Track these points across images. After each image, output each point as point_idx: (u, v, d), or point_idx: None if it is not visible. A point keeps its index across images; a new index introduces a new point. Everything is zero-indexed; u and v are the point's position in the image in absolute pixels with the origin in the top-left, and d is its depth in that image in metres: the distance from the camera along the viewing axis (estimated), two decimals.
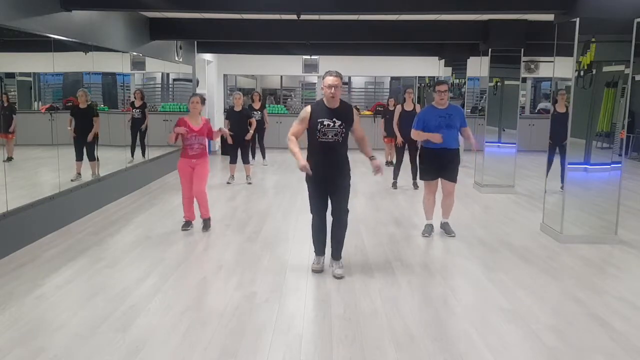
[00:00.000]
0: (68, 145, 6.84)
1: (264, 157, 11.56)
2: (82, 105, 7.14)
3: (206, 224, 6.20)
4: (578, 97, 5.80)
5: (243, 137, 9.32)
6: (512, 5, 6.63)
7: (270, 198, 8.23)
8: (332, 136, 4.50)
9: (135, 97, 9.28)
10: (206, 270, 4.90)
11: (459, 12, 7.69)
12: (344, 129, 4.52)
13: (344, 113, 4.55)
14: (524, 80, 14.84)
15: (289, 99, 17.14)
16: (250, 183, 9.33)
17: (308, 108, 4.62)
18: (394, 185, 9.02)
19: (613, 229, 5.91)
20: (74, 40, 6.64)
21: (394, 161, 9.71)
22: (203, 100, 6.15)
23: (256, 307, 4.05)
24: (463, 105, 12.63)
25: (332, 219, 4.77)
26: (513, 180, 8.87)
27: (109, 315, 3.84)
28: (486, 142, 9.01)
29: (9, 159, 5.87)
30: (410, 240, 5.93)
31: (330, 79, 4.46)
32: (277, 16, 8.81)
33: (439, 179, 5.96)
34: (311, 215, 4.80)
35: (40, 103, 6.85)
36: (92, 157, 7.36)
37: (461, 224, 6.41)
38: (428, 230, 6.09)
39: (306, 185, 4.74)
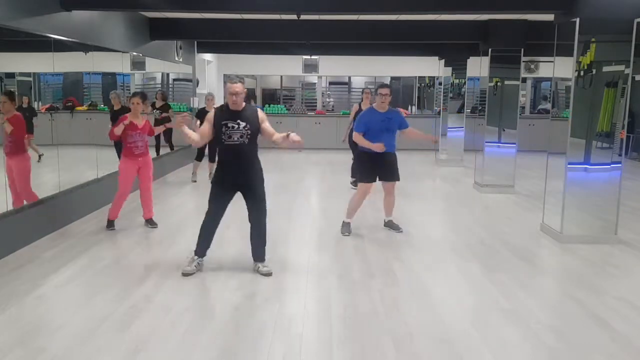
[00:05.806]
0: (68, 146, 6.84)
1: None
2: (117, 107, 7.46)
3: (152, 222, 6.25)
4: (578, 97, 5.80)
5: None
6: (512, 5, 6.63)
7: (270, 198, 8.17)
8: (237, 138, 4.55)
9: (156, 98, 9.46)
10: (206, 270, 4.89)
11: (459, 12, 7.68)
12: (249, 131, 4.56)
13: (247, 115, 4.59)
14: (524, 80, 14.83)
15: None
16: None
17: (212, 112, 4.71)
18: (355, 183, 8.95)
19: (613, 229, 5.91)
20: (74, 40, 6.63)
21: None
22: (144, 99, 6.31)
23: (256, 307, 4.06)
24: (463, 105, 12.63)
25: (250, 224, 4.81)
26: (513, 180, 8.86)
27: (109, 315, 3.84)
28: (486, 142, 9.01)
29: (39, 157, 6.34)
30: (410, 240, 5.92)
31: (231, 87, 4.47)
32: (277, 16, 8.80)
33: (380, 181, 6.02)
34: (205, 217, 4.82)
35: (40, 103, 6.85)
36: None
37: (461, 224, 6.41)
38: (347, 228, 6.11)
39: (213, 189, 4.79)
